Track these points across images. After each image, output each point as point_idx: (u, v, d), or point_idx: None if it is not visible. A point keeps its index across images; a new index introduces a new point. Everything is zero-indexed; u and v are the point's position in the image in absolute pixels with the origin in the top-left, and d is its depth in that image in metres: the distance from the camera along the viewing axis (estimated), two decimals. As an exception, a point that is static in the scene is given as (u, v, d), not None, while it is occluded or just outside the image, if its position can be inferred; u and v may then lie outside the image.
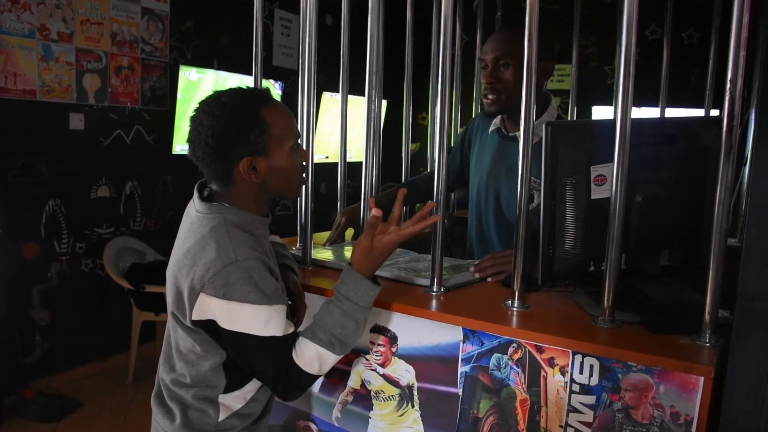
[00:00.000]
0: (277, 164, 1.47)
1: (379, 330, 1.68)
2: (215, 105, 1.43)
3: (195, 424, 1.52)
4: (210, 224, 1.44)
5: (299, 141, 1.53)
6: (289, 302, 1.64)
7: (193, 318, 1.42)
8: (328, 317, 1.47)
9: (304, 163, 1.58)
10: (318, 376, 1.47)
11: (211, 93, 1.48)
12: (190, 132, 1.46)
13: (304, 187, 2.02)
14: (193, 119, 1.45)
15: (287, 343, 1.43)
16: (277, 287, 1.44)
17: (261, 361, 1.42)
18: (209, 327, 1.43)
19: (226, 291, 1.36)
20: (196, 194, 1.54)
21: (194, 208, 1.51)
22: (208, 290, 1.38)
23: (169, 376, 1.55)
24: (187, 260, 1.43)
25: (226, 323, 1.39)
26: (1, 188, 3.66)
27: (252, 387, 1.55)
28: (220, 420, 1.52)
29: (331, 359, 1.46)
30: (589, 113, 5.59)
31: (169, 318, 1.55)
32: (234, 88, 1.48)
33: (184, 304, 1.43)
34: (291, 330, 1.45)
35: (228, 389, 1.52)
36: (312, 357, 1.44)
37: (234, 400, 1.53)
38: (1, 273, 3.66)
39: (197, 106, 1.46)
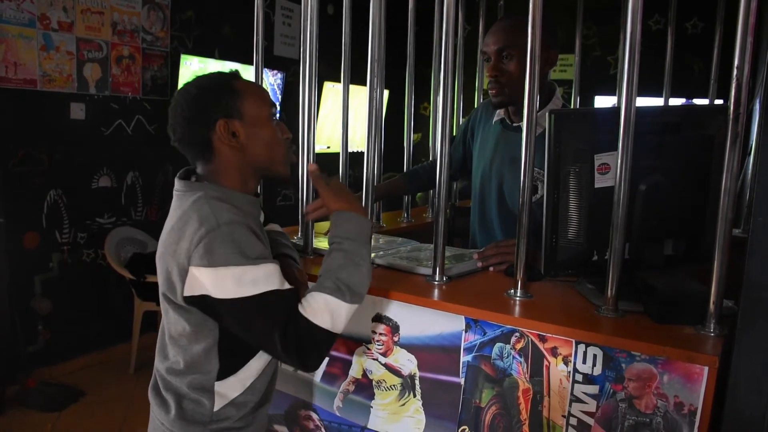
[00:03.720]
0: (256, 131, 1.48)
1: (381, 319, 1.67)
2: (191, 83, 1.50)
3: (190, 415, 1.49)
4: (190, 199, 1.43)
5: (276, 114, 1.54)
6: None
7: (185, 294, 1.39)
8: (330, 263, 1.45)
9: (289, 140, 1.57)
10: (334, 333, 1.38)
11: None
12: (169, 119, 1.50)
13: (304, 176, 2.02)
14: (170, 109, 1.50)
15: (286, 297, 1.38)
16: (264, 251, 1.41)
17: (262, 322, 1.36)
18: (203, 304, 1.39)
19: (210, 258, 1.34)
20: (178, 175, 1.54)
21: (175, 188, 1.51)
22: (194, 261, 1.35)
23: (163, 365, 1.53)
24: (171, 238, 1.41)
25: (218, 292, 1.35)
26: (2, 178, 3.66)
27: (249, 373, 1.51)
28: (215, 410, 1.49)
29: (342, 309, 1.39)
30: (592, 103, 5.58)
31: (161, 303, 1.52)
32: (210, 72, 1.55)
33: (173, 283, 1.40)
34: (287, 286, 1.40)
35: (222, 374, 1.48)
36: (320, 307, 1.37)
37: (230, 388, 1.50)
38: (3, 263, 3.66)
39: (173, 95, 1.52)
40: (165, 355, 1.54)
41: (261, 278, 1.36)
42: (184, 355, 1.48)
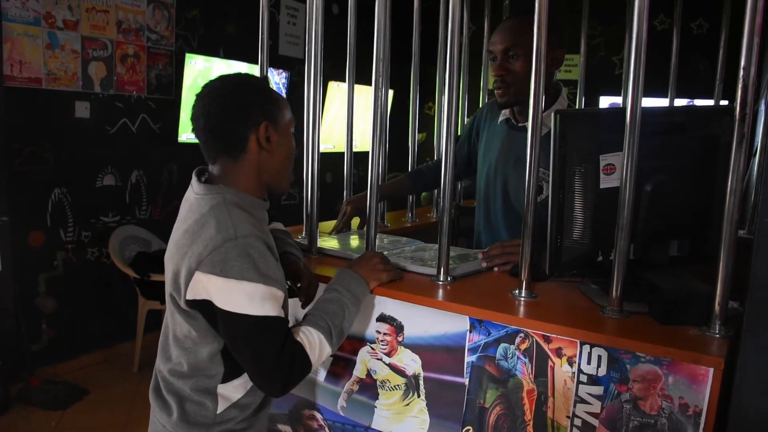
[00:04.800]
0: (283, 141, 1.51)
1: (386, 319, 1.67)
2: (232, 79, 1.49)
3: (192, 417, 1.48)
4: (209, 203, 1.43)
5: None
6: (299, 285, 1.64)
7: (187, 297, 1.39)
8: (327, 306, 1.51)
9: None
10: (309, 370, 1.43)
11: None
12: (203, 105, 1.46)
13: (309, 176, 2.02)
14: (205, 95, 1.47)
15: (284, 327, 1.41)
16: (278, 269, 1.42)
17: (259, 342, 1.37)
18: (205, 308, 1.39)
19: (224, 267, 1.34)
20: (194, 178, 1.52)
21: (192, 191, 1.50)
22: (204, 267, 1.35)
23: (166, 366, 1.52)
24: (185, 240, 1.41)
25: (222, 303, 1.35)
26: (7, 176, 3.67)
27: None
28: (218, 412, 1.48)
29: (325, 352, 1.47)
30: (597, 103, 5.57)
31: (167, 304, 1.51)
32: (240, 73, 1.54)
33: (180, 285, 1.40)
34: (285, 317, 1.43)
35: (227, 378, 1.48)
36: (315, 343, 1.44)
37: (234, 390, 1.49)
38: (7, 261, 3.67)
39: (208, 83, 1.50)
40: (168, 356, 1.52)
41: (269, 299, 1.37)
42: (188, 358, 1.47)
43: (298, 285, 1.65)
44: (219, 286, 1.35)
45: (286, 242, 1.72)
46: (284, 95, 5.24)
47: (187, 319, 1.44)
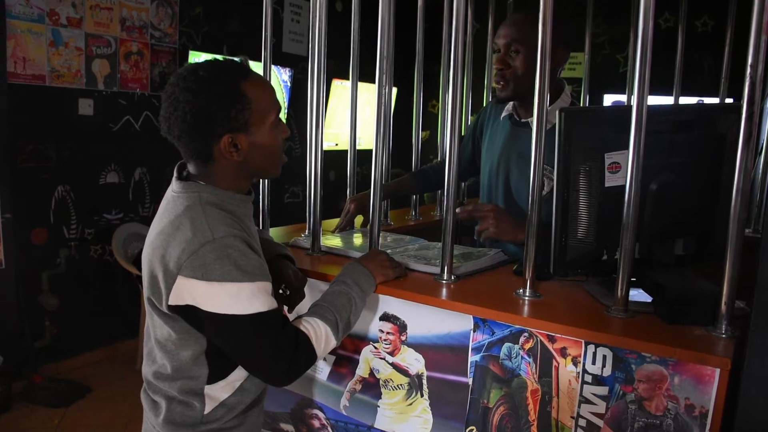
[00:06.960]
0: (259, 141, 1.41)
1: (389, 318, 1.66)
2: (192, 79, 1.35)
3: (179, 417, 1.45)
4: (184, 203, 1.38)
5: (280, 115, 1.46)
6: (287, 292, 1.63)
7: (170, 303, 1.35)
8: (335, 299, 1.50)
9: (285, 139, 1.50)
10: (314, 361, 1.42)
11: (186, 66, 1.41)
12: (165, 108, 1.38)
13: (312, 174, 2.01)
14: (167, 95, 1.37)
15: (277, 318, 1.37)
16: (260, 263, 1.38)
17: (254, 339, 1.34)
18: (187, 313, 1.35)
19: (205, 272, 1.29)
20: (175, 174, 1.48)
21: (171, 188, 1.45)
22: (185, 272, 1.30)
23: (150, 369, 1.49)
24: (160, 241, 1.36)
25: (208, 305, 1.31)
26: (10, 173, 3.66)
27: (240, 375, 1.47)
28: (206, 413, 1.45)
29: (330, 344, 1.46)
30: (601, 101, 5.55)
31: (145, 307, 1.47)
32: (210, 61, 1.40)
33: (159, 289, 1.36)
34: (276, 306, 1.38)
35: (212, 379, 1.44)
36: (322, 337, 1.42)
37: (221, 391, 1.46)
38: (10, 258, 3.67)
39: (171, 80, 1.39)
40: (153, 359, 1.49)
41: (257, 295, 1.33)
42: (172, 361, 1.44)
43: (286, 292, 1.63)
44: (203, 291, 1.31)
45: (275, 244, 1.70)
46: (288, 93, 5.25)
47: (168, 322, 1.41)
